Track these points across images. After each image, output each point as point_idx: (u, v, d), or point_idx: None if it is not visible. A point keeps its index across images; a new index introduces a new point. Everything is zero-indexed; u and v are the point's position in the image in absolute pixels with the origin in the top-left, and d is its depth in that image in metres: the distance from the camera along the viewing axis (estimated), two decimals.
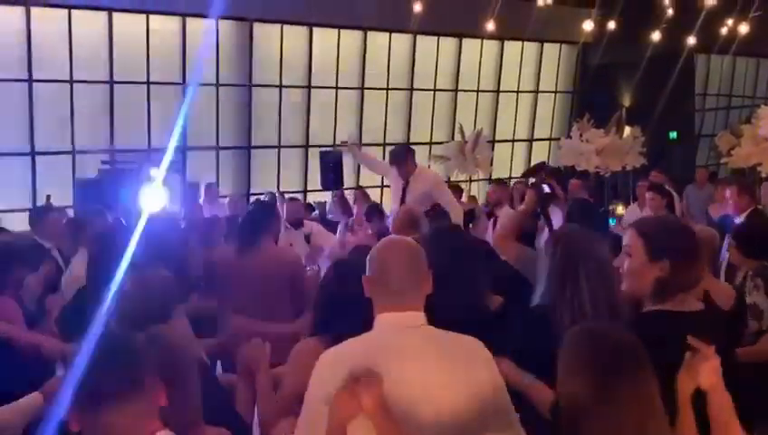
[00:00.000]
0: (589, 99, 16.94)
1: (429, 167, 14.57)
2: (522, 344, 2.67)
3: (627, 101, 16.89)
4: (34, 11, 11.19)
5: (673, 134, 17.22)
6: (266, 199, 8.70)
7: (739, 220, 5.85)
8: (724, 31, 14.13)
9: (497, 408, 2.08)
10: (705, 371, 1.92)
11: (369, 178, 14.13)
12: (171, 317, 2.45)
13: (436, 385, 1.97)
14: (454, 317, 2.73)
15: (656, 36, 13.61)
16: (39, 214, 6.26)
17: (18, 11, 11.11)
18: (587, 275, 2.66)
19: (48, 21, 11.45)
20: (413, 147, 14.70)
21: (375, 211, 6.51)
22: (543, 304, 2.75)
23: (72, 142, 11.86)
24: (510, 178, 15.42)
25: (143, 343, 1.76)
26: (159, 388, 1.70)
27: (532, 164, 11.81)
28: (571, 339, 1.79)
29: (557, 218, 5.12)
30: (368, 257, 2.15)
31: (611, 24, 13.90)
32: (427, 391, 1.96)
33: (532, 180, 4.39)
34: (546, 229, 4.79)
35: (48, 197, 10.15)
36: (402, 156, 6.35)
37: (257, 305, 4.15)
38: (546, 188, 4.66)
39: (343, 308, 2.49)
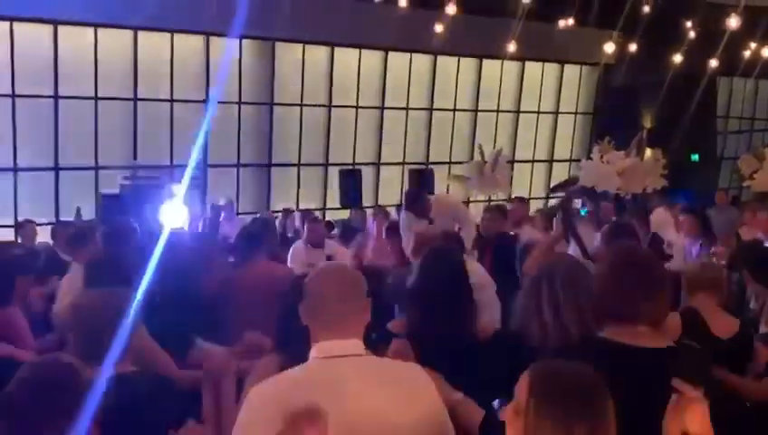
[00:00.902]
0: (610, 120, 16.84)
1: (448, 187, 14.60)
2: (499, 369, 2.61)
3: (648, 123, 16.80)
4: (61, 29, 11.38)
5: (695, 156, 17.09)
6: (263, 217, 8.75)
7: None
8: (747, 54, 14.06)
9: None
10: (691, 414, 1.80)
11: (387, 196, 14.18)
12: (122, 341, 2.39)
13: (377, 415, 1.91)
14: (437, 341, 2.74)
15: (678, 58, 13.56)
16: (59, 227, 6.61)
17: (46, 29, 11.31)
18: (553, 298, 2.68)
19: (75, 38, 11.65)
20: (432, 166, 14.75)
21: (394, 230, 6.46)
22: (516, 327, 2.80)
23: (96, 158, 12.01)
24: (529, 198, 15.36)
25: (84, 377, 1.74)
26: (94, 427, 1.69)
27: (563, 179, 11.70)
28: (531, 376, 1.71)
29: (588, 237, 5.08)
30: (305, 284, 2.09)
31: (633, 46, 13.87)
32: (369, 423, 1.90)
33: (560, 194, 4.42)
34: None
35: (78, 209, 10.26)
36: (416, 201, 6.18)
37: (248, 319, 4.20)
38: (577, 204, 4.63)
39: (300, 324, 2.45)
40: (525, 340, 2.69)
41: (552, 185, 15.42)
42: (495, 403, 1.79)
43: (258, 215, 10.33)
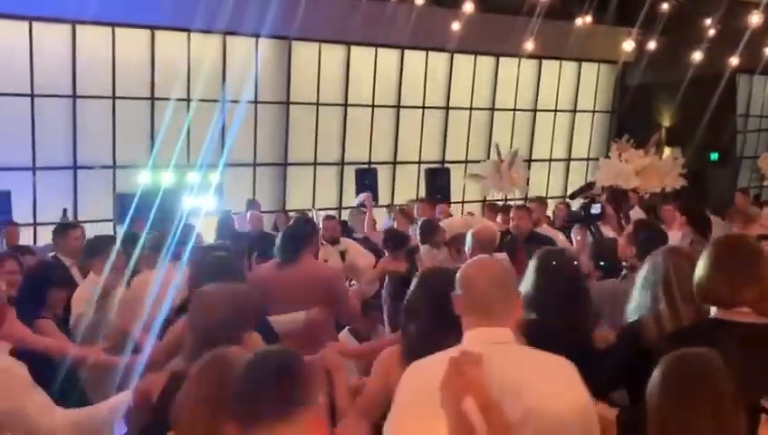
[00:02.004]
0: (628, 119, 16.74)
1: (464, 186, 14.57)
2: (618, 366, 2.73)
3: (667, 122, 16.66)
4: (79, 28, 11.46)
5: (714, 155, 16.92)
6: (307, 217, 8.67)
7: None
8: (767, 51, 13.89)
9: (589, 426, 2.08)
10: None
11: (404, 195, 14.13)
12: (242, 335, 2.42)
13: (534, 399, 1.95)
14: (556, 339, 2.74)
15: (697, 56, 13.42)
16: (61, 230, 6.10)
17: (64, 29, 11.39)
18: (668, 292, 2.73)
19: (92, 38, 11.72)
20: (448, 165, 14.69)
21: (391, 240, 6.26)
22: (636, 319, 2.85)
23: (114, 157, 12.08)
24: (546, 197, 15.27)
25: (313, 369, 1.78)
26: (321, 419, 1.72)
27: (581, 185, 11.64)
28: (665, 366, 1.80)
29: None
30: (457, 276, 2.21)
31: (652, 44, 13.74)
32: (524, 406, 1.94)
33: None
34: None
35: (65, 211, 10.04)
36: (432, 232, 6.13)
37: None
38: (596, 209, 4.60)
39: (421, 320, 2.55)
40: (642, 336, 2.72)
41: (569, 191, 15.32)
42: None
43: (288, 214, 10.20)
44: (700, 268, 2.37)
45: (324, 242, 6.54)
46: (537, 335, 2.77)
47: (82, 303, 4.42)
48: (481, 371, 1.85)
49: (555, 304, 2.94)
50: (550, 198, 15.11)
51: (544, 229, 6.86)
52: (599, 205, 5.38)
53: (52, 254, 6.09)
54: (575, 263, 3.15)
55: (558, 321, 2.90)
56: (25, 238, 9.58)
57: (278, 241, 4.58)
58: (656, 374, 1.79)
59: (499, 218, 8.96)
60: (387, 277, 4.88)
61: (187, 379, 1.83)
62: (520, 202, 11.18)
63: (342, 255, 6.04)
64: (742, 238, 2.58)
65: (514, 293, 2.16)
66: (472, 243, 4.70)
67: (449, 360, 1.87)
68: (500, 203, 11.04)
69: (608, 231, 5.41)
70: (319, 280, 4.36)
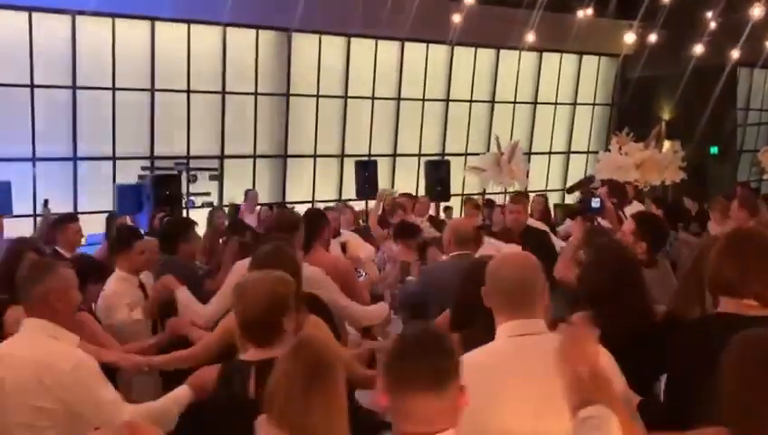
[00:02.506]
0: (628, 112, 16.73)
1: (464, 178, 14.57)
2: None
3: (667, 115, 16.65)
4: (80, 19, 11.43)
5: (714, 149, 16.92)
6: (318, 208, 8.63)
7: None
8: None
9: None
10: None
11: (404, 188, 14.13)
12: (280, 320, 2.45)
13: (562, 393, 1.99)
14: (622, 330, 2.76)
15: (698, 49, 13.41)
16: (60, 223, 5.69)
17: (64, 19, 11.36)
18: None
19: (92, 29, 11.69)
20: (448, 157, 14.67)
21: (402, 230, 6.22)
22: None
23: (114, 148, 12.07)
24: (546, 190, 15.28)
25: (455, 345, 1.85)
26: (462, 391, 1.77)
27: (581, 178, 11.66)
28: (737, 348, 1.83)
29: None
30: (489, 270, 2.26)
31: (652, 37, 13.73)
32: (554, 400, 1.98)
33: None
34: None
35: (46, 201, 9.82)
36: (412, 234, 6.08)
37: None
38: (596, 203, 4.59)
39: (473, 310, 2.60)
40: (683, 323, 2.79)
41: (569, 184, 15.33)
42: None
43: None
44: (712, 258, 2.42)
45: None
46: (617, 329, 2.76)
47: (120, 302, 4.28)
48: (592, 342, 1.94)
49: (632, 293, 2.97)
50: (549, 190, 15.15)
51: (531, 222, 6.82)
52: (599, 199, 5.37)
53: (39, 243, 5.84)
54: (631, 259, 3.18)
55: (635, 308, 2.94)
56: (25, 230, 9.57)
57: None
58: (728, 357, 1.83)
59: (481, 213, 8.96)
60: (398, 267, 4.92)
61: (276, 365, 1.91)
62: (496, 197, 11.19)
63: (343, 246, 6.02)
64: (755, 230, 2.62)
65: (540, 286, 2.20)
66: (449, 236, 4.65)
67: (564, 331, 1.97)
68: (476, 198, 11.04)
69: (606, 225, 5.39)
70: (332, 272, 4.34)
